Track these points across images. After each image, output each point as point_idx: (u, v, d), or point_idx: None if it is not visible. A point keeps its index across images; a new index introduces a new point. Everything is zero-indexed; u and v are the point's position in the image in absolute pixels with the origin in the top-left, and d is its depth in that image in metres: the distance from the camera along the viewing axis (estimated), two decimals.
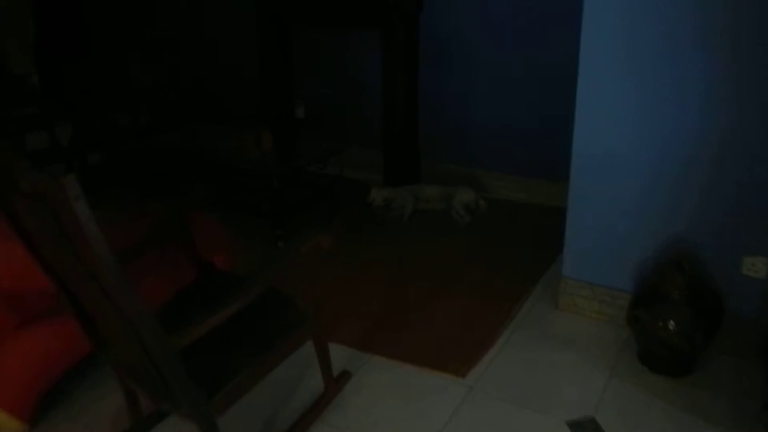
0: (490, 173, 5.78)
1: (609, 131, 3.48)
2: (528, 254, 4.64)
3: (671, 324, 3.13)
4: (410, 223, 5.24)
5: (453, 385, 3.26)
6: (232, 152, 5.05)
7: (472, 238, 4.96)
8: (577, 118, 3.55)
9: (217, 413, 2.39)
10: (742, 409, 3.03)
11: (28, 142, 5.90)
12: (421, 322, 3.81)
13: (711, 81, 3.17)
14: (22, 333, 2.82)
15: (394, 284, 4.26)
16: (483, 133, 5.72)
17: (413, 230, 5.13)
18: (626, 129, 3.43)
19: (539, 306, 3.97)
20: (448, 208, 5.36)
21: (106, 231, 1.87)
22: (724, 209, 3.32)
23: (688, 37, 3.16)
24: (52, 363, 2.89)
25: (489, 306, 3.93)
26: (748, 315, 3.35)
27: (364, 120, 6.31)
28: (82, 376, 3.25)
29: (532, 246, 4.77)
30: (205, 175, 5.64)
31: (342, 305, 3.99)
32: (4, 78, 6.10)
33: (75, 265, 2.06)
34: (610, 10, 3.30)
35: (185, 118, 7.03)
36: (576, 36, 3.48)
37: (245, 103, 6.89)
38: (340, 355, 3.41)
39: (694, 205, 3.38)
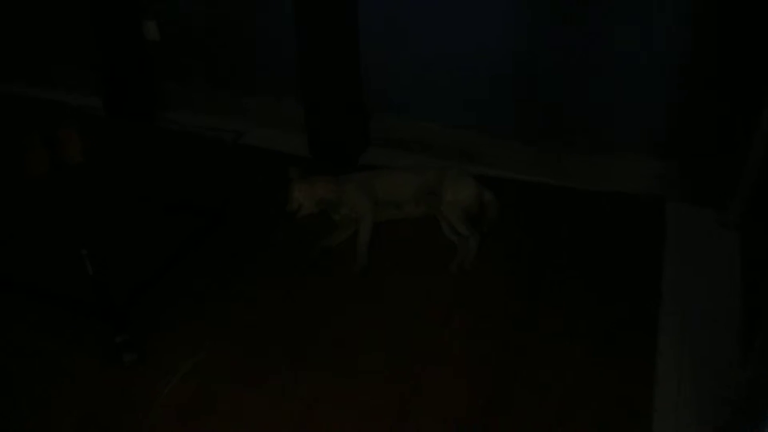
0: (488, 139, 3.44)
1: None
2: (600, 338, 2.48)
3: None
4: (370, 267, 2.85)
5: None
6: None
7: (483, 307, 2.70)
8: None
9: None
10: None
11: None
12: None
13: None
14: None
15: None
16: (472, 70, 3.32)
17: (378, 301, 2.70)
18: None
19: None
20: (432, 213, 3.05)
21: None
22: None
23: None
24: None
25: None
26: None
27: (266, 47, 3.74)
28: None
29: (602, 313, 2.61)
30: None
31: None
32: None
33: None
34: None
35: None
36: None
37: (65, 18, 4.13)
38: None
39: None
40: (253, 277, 2.79)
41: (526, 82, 3.24)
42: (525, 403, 2.23)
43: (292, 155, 3.58)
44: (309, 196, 3.04)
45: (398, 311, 2.61)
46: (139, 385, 2.32)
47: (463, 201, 2.98)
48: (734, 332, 2.44)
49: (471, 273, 2.77)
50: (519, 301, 2.63)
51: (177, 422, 2.20)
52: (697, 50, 2.87)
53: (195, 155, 3.55)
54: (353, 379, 2.33)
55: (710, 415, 2.14)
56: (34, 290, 2.45)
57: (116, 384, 2.33)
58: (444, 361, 2.39)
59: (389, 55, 3.41)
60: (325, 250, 2.92)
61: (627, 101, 3.09)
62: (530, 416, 2.18)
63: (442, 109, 3.46)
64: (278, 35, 3.55)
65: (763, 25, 2.69)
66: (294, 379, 2.33)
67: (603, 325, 2.50)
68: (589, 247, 2.91)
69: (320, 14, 3.22)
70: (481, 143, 3.43)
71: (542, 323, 2.53)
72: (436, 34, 3.27)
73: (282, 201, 3.03)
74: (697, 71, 2.92)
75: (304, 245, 2.94)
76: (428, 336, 2.49)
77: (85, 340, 2.47)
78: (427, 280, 2.75)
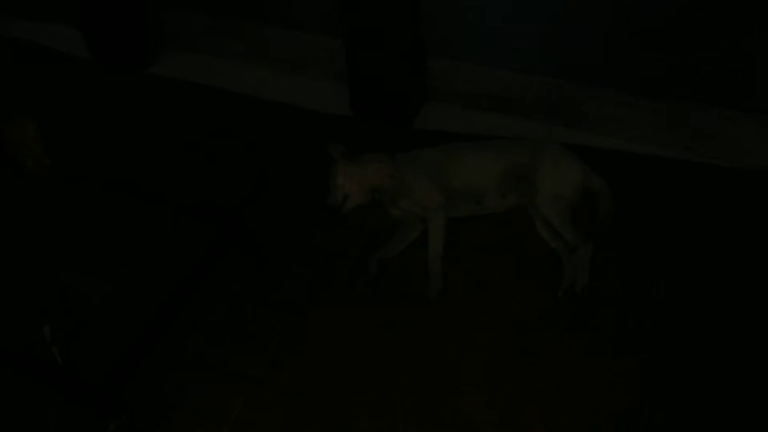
0: (590, 93, 2.59)
1: None
2: None
3: None
4: (446, 291, 2.09)
5: None
6: None
7: None
8: None
9: None
10: None
11: None
12: None
13: None
14: None
15: None
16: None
17: (460, 354, 1.98)
18: None
19: None
20: (522, 206, 2.28)
21: None
22: None
23: None
24: None
25: None
26: None
27: None
28: None
29: None
30: None
31: None
32: None
33: None
34: None
35: None
36: None
37: None
38: None
39: None
40: (283, 306, 2.06)
41: (644, 12, 2.35)
42: None
43: (328, 114, 2.76)
44: (358, 184, 2.26)
45: (483, 374, 1.88)
46: None
47: (567, 193, 2.19)
48: None
49: (586, 301, 2.03)
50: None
51: None
52: None
53: (200, 123, 2.73)
54: None
55: None
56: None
57: None
58: None
59: None
60: (382, 263, 2.17)
61: None
62: None
63: (522, 49, 2.59)
64: None
65: None
66: None
67: None
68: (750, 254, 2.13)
69: None
70: (581, 99, 2.59)
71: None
72: None
73: (321, 189, 2.26)
74: None
75: (355, 255, 2.19)
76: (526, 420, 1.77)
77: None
78: (523, 317, 2.01)
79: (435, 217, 2.18)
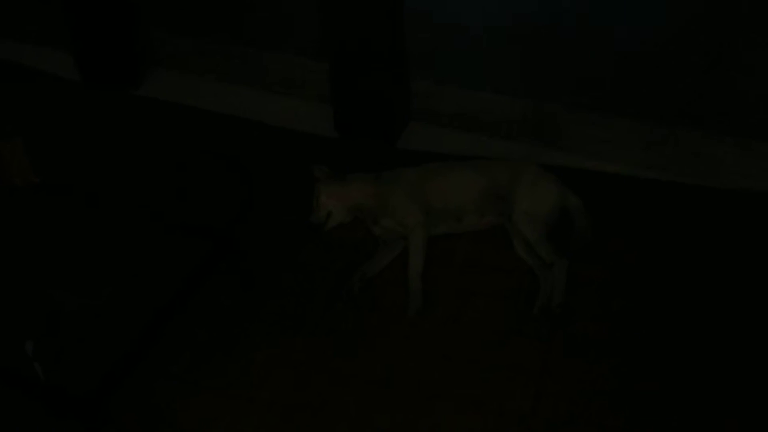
0: (574, 115, 2.67)
1: None
2: None
3: None
4: (427, 307, 2.16)
5: None
6: None
7: None
8: None
9: None
10: None
11: None
12: None
13: None
14: None
15: None
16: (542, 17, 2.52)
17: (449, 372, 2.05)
18: None
19: None
20: (500, 223, 2.34)
21: None
22: None
23: None
24: None
25: None
26: None
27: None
28: None
29: None
30: None
31: None
32: None
33: None
34: None
35: None
36: None
37: None
38: None
39: None
40: (270, 321, 2.11)
41: (625, 34, 2.43)
42: None
43: (313, 134, 2.82)
44: (341, 202, 2.33)
45: (463, 387, 1.93)
46: None
47: (543, 212, 2.26)
48: None
49: (561, 318, 2.08)
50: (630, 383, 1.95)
51: None
52: None
53: (189, 144, 2.78)
54: None
55: None
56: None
57: None
58: None
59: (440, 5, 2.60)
60: (365, 280, 2.23)
61: None
62: None
63: (503, 72, 2.67)
64: None
65: None
66: None
67: None
68: (731, 277, 2.19)
69: None
70: (561, 120, 2.66)
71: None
72: None
73: (306, 208, 2.32)
74: None
75: (338, 272, 2.25)
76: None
77: None
78: (502, 332, 2.06)
79: (415, 235, 2.24)
